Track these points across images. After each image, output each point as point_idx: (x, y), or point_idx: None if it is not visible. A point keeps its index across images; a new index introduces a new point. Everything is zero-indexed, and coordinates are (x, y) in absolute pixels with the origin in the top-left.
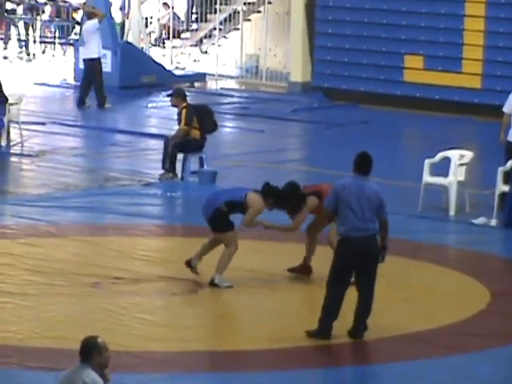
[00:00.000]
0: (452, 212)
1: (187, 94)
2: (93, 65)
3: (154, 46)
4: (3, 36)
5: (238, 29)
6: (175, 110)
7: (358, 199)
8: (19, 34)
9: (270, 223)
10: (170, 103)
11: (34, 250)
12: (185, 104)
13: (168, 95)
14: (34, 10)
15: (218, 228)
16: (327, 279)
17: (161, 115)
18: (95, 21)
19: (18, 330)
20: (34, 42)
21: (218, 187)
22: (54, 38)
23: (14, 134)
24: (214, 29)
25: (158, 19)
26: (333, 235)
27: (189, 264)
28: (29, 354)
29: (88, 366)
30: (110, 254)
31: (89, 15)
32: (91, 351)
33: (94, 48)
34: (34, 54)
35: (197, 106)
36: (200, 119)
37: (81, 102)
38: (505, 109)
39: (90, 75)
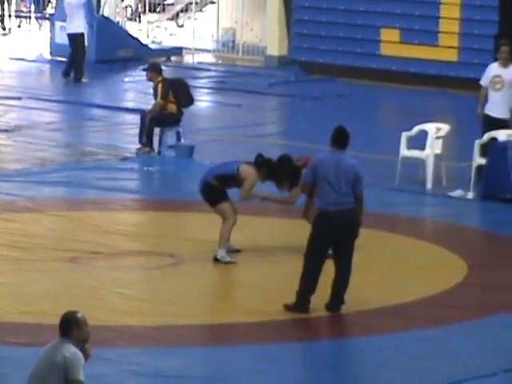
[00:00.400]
0: (429, 185)
1: (164, 68)
2: (77, 39)
3: (130, 20)
4: None
5: (215, 2)
6: (152, 84)
7: (336, 173)
8: None
9: (267, 195)
10: (146, 77)
11: (11, 225)
12: (160, 78)
13: (143, 69)
14: None
15: (210, 200)
16: (304, 253)
17: (137, 89)
18: None
19: None
20: (10, 16)
21: (195, 161)
22: (30, 12)
23: None
24: (191, 3)
25: None
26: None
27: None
28: (7, 330)
29: (68, 340)
30: (87, 229)
31: None
32: (71, 326)
33: (79, 23)
34: (9, 29)
35: (172, 80)
36: (176, 93)
37: (66, 74)
38: (482, 82)
39: (75, 50)
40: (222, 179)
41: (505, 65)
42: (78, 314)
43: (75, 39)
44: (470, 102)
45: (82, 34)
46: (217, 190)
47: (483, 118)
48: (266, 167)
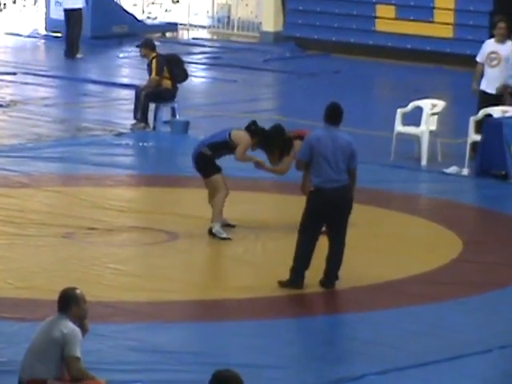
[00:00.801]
0: (424, 161)
1: (159, 43)
2: (75, 14)
3: None
4: None
5: None
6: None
7: (333, 151)
8: None
9: (261, 161)
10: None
11: (6, 200)
12: (154, 54)
13: (137, 46)
14: None
15: (203, 172)
16: (298, 229)
17: (132, 65)
18: None
19: None
20: None
21: (190, 137)
22: None
23: None
24: None
25: None
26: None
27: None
28: (2, 305)
29: (66, 316)
30: (82, 205)
31: None
32: (70, 302)
33: None
34: (4, 4)
35: (166, 56)
36: (170, 69)
37: (69, 53)
38: (478, 58)
39: (72, 25)
40: (214, 147)
41: (501, 41)
42: (77, 291)
43: (73, 14)
44: (465, 78)
45: (80, 9)
46: (210, 160)
47: (479, 95)
48: (260, 135)
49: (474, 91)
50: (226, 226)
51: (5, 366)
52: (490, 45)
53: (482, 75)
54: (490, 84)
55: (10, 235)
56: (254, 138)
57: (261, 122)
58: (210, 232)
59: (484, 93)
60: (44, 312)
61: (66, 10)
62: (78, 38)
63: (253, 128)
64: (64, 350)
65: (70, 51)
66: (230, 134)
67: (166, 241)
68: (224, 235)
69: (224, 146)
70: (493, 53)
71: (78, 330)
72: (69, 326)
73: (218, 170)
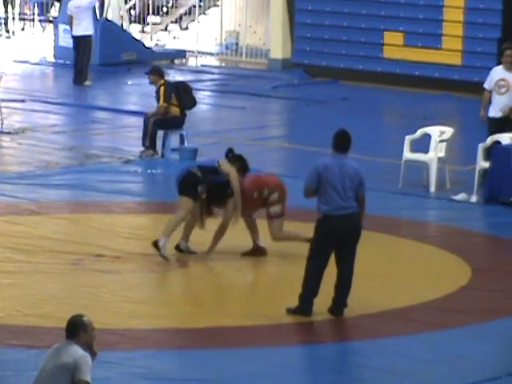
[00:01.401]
0: (432, 188)
1: (167, 71)
2: (85, 41)
3: (134, 22)
4: None
5: (218, 5)
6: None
7: (342, 179)
8: None
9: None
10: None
11: (14, 227)
12: (162, 81)
13: (145, 73)
14: None
15: (181, 188)
16: (307, 256)
17: (141, 92)
18: None
19: None
20: (13, 19)
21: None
22: (33, 14)
23: None
24: (194, 5)
25: None
26: (277, 231)
27: (178, 248)
28: (10, 332)
29: (74, 342)
30: (90, 232)
31: None
32: (77, 329)
33: (88, 25)
34: (13, 32)
35: (175, 83)
36: (178, 96)
37: (77, 81)
38: (485, 85)
39: (82, 51)
40: (203, 170)
41: (509, 68)
42: (84, 318)
43: (83, 41)
44: (473, 105)
45: (90, 37)
46: (195, 181)
47: (488, 122)
48: (239, 162)
49: (481, 118)
50: (191, 253)
51: None
52: (497, 72)
53: (489, 102)
54: (499, 111)
55: (19, 262)
56: (235, 166)
57: (270, 149)
58: (155, 244)
59: (494, 119)
60: (52, 339)
61: (75, 37)
62: (87, 65)
63: (230, 155)
64: (74, 376)
65: (79, 78)
66: (218, 161)
67: (175, 268)
68: (164, 253)
69: (213, 170)
70: (501, 80)
71: (88, 356)
72: (79, 352)
73: (193, 194)
